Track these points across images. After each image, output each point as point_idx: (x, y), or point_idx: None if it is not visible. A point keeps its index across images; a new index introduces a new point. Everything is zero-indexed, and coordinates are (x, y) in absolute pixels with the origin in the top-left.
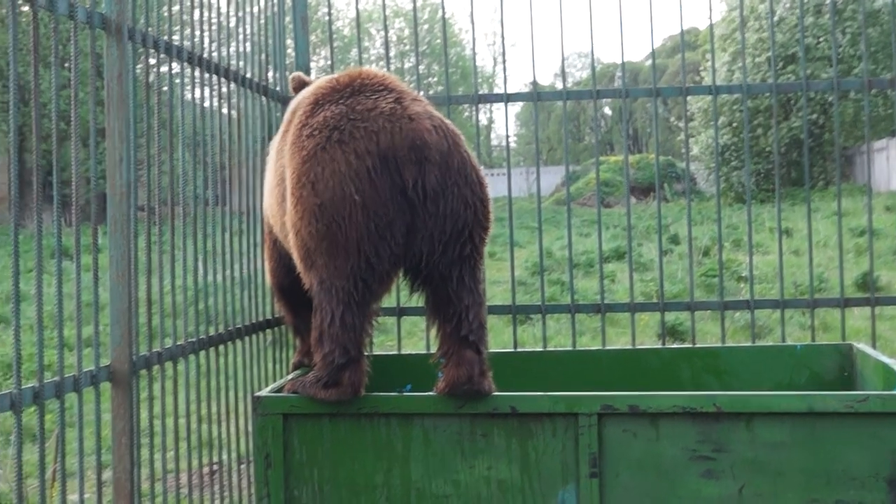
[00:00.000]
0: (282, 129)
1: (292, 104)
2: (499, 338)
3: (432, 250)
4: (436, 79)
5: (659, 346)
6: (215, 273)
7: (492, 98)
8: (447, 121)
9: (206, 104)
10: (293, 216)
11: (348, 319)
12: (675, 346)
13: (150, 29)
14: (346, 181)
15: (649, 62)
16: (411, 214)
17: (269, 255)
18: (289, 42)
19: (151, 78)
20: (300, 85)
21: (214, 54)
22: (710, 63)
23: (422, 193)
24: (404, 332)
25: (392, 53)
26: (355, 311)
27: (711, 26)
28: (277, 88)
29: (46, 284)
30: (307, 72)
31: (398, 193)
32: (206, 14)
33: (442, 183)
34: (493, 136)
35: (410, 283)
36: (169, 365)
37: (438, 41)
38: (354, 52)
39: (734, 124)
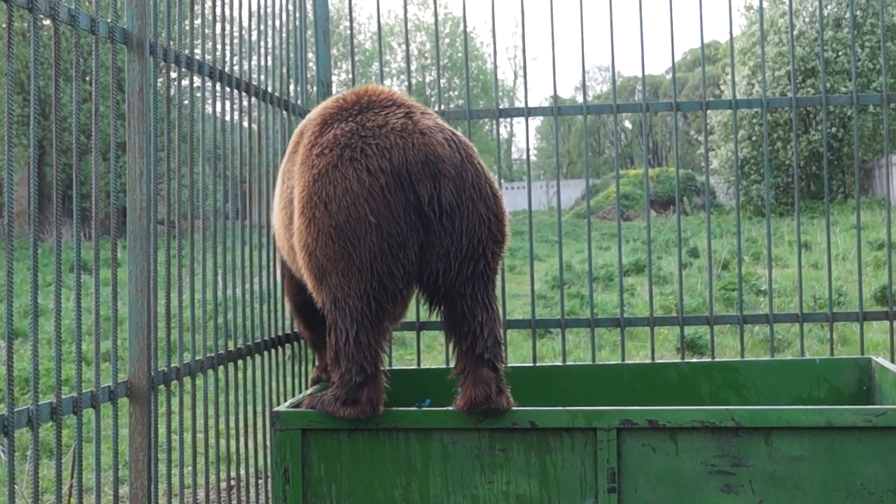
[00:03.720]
0: (288, 151)
1: (299, 126)
2: (518, 352)
3: (448, 268)
4: (456, 92)
5: (678, 359)
6: (235, 287)
7: (512, 112)
8: (459, 133)
9: (227, 118)
10: (304, 236)
11: (363, 338)
12: (694, 360)
13: (171, 43)
14: (360, 201)
15: (670, 76)
16: (425, 231)
17: (283, 274)
18: (310, 56)
19: (172, 92)
20: None
21: (235, 68)
22: (729, 77)
23: (437, 209)
24: (424, 345)
25: (413, 67)
26: (369, 330)
27: (731, 40)
28: (298, 102)
29: (65, 299)
30: (328, 86)
31: (412, 211)
32: (227, 28)
33: (457, 198)
34: (513, 149)
35: (427, 299)
36: (187, 380)
37: (460, 55)
38: (376, 65)
39: (754, 138)
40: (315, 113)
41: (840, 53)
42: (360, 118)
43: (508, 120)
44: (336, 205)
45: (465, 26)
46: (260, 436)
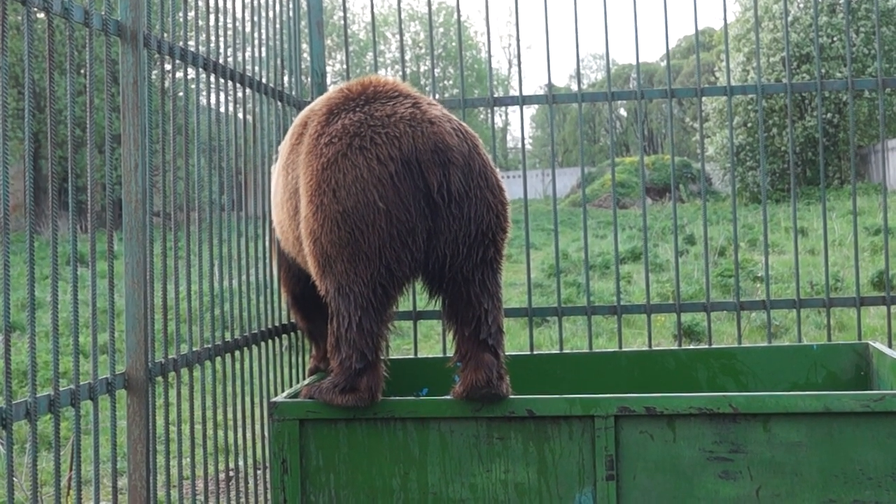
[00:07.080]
0: (289, 141)
1: (300, 117)
2: (515, 340)
3: (456, 253)
4: (451, 82)
5: (675, 347)
6: (231, 278)
7: (507, 101)
8: (464, 124)
9: (222, 109)
10: (311, 223)
11: (366, 325)
12: (691, 347)
13: (165, 35)
14: (370, 187)
15: (664, 63)
16: (433, 219)
17: (279, 265)
18: (304, 47)
19: (167, 84)
20: None
21: (230, 60)
22: (724, 63)
23: (446, 196)
24: (420, 335)
25: (407, 57)
26: (373, 317)
27: (726, 26)
28: (293, 93)
29: (62, 291)
30: (323, 76)
31: (421, 198)
32: (221, 19)
33: (466, 186)
34: (508, 138)
35: (429, 287)
36: (185, 371)
37: (454, 44)
38: (370, 56)
39: (749, 124)
40: (319, 103)
41: (835, 39)
42: (368, 108)
43: (503, 108)
44: (345, 191)
45: (458, 15)
46: (258, 426)
